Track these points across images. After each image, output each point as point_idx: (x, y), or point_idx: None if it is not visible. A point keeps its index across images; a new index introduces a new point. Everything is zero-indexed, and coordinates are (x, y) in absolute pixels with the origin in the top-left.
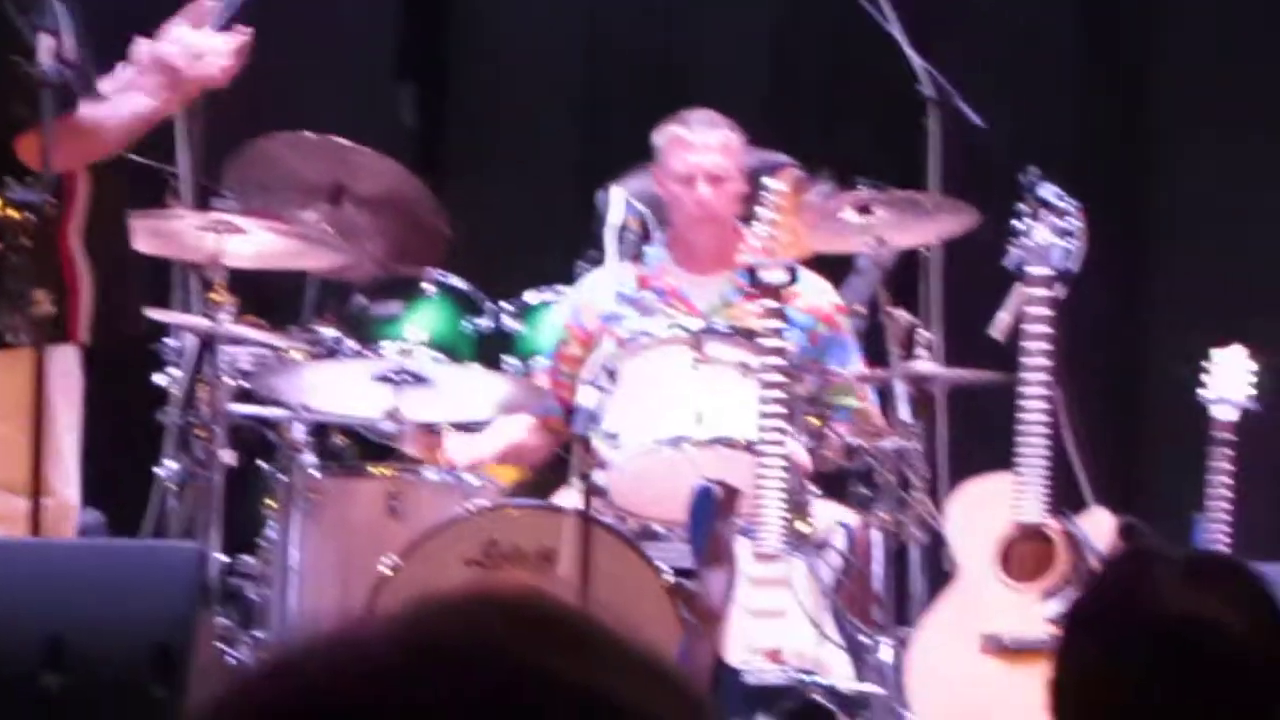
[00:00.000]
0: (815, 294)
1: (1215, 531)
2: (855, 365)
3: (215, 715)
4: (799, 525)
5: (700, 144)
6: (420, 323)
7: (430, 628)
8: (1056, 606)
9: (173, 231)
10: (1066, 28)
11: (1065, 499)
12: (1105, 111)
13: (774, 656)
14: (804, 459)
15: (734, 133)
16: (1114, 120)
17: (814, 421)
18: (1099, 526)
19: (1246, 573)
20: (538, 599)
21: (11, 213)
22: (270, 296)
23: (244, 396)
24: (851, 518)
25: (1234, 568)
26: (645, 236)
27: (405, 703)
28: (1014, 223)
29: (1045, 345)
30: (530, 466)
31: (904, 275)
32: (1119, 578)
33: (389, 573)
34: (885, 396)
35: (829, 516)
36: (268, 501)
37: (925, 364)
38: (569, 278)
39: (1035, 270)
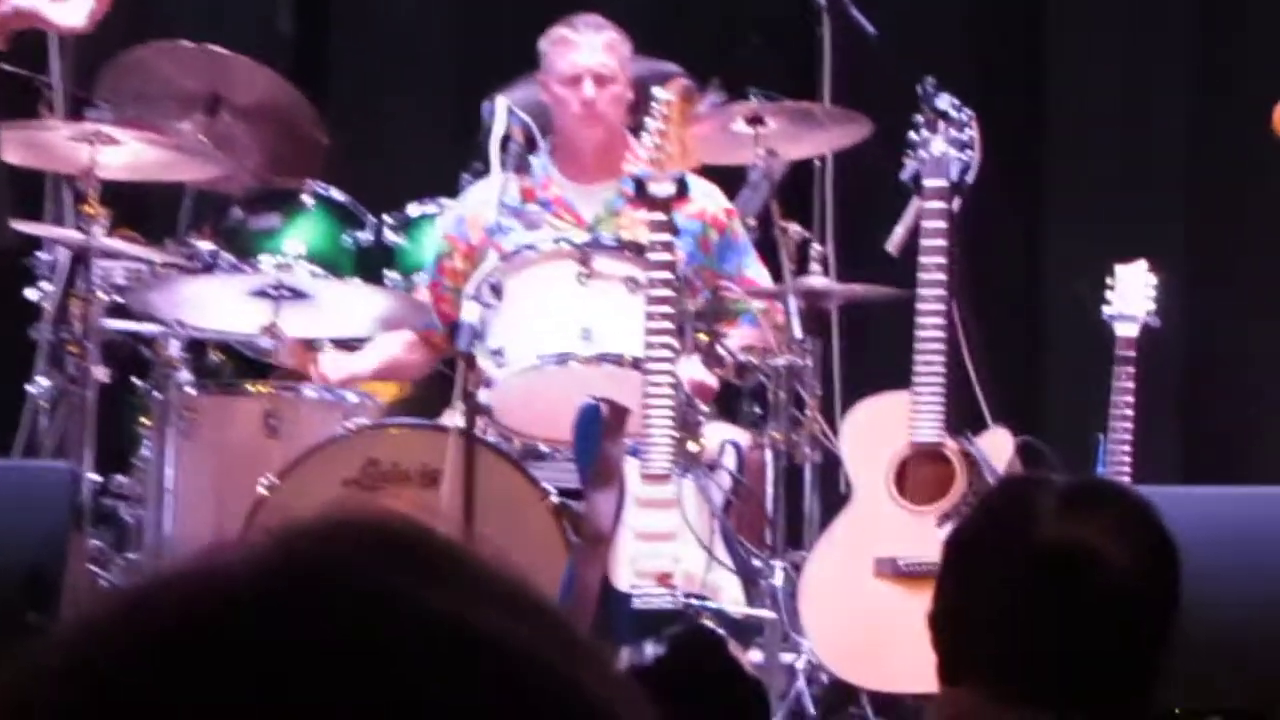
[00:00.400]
0: (704, 198)
1: (1117, 453)
2: (753, 266)
3: (65, 647)
4: (689, 445)
5: (585, 43)
6: (299, 236)
7: (291, 553)
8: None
9: (45, 142)
10: None
11: (963, 418)
12: (1000, 18)
13: (663, 580)
14: (711, 381)
15: (619, 35)
16: (1009, 27)
17: (704, 338)
18: (998, 447)
19: (1130, 498)
20: (404, 523)
21: None
22: (145, 209)
23: (118, 312)
24: (743, 437)
25: (1116, 493)
26: (530, 147)
27: (262, 631)
28: (909, 134)
29: (941, 260)
30: (409, 382)
31: (796, 188)
32: (998, 505)
33: (266, 493)
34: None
35: (719, 436)
36: (142, 420)
37: (818, 279)
38: (453, 190)
39: (931, 183)
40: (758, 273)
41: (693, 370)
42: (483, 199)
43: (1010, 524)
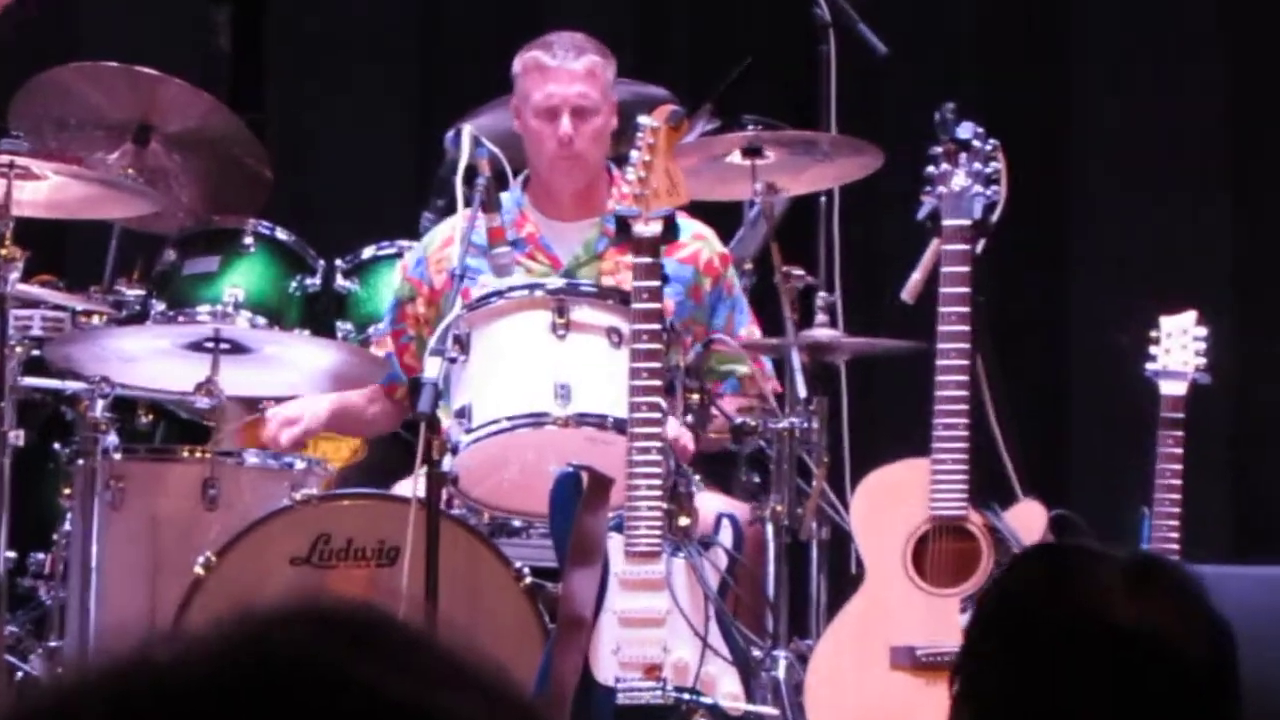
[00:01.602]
0: (694, 241)
1: (1163, 526)
2: (746, 324)
3: None
4: (680, 519)
5: (563, 71)
6: (239, 281)
7: (246, 644)
8: None
9: None
10: None
11: (989, 488)
12: (1023, 35)
13: (651, 672)
14: (685, 440)
15: (603, 58)
16: (1033, 45)
17: (695, 396)
18: (1029, 521)
19: (1189, 576)
20: (361, 607)
21: None
22: (66, 251)
23: (35, 367)
24: (740, 510)
25: (1175, 570)
26: (500, 182)
27: None
28: (926, 167)
29: (963, 309)
30: (364, 443)
31: (799, 228)
32: (1052, 576)
33: (204, 573)
34: (779, 369)
35: (714, 508)
36: (64, 489)
37: (825, 331)
38: (412, 230)
39: (951, 222)
40: (750, 331)
41: (670, 426)
42: (446, 237)
43: (1075, 601)
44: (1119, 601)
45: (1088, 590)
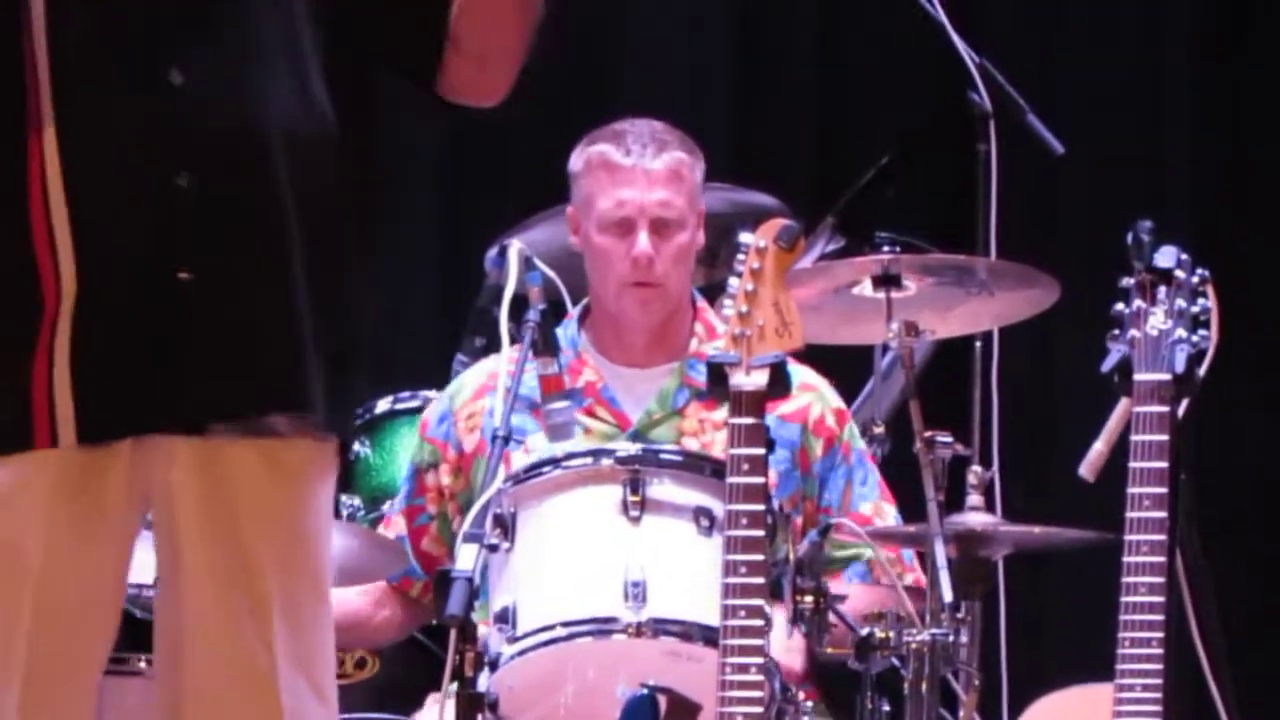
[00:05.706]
0: (803, 393)
1: None
2: (874, 498)
3: None
4: None
5: (639, 172)
6: None
7: None
8: None
9: None
10: (1184, 12)
11: None
12: (1239, 134)
13: None
14: (794, 658)
15: (689, 155)
16: (1253, 146)
17: (809, 599)
18: None
19: None
20: None
21: None
22: None
23: None
24: None
25: None
26: (558, 314)
27: None
28: (1115, 305)
29: (1160, 489)
30: (373, 656)
31: (947, 381)
32: None
33: None
34: (919, 564)
35: None
36: None
37: (979, 516)
38: (442, 377)
39: (1146, 376)
40: (879, 508)
41: (774, 638)
42: (480, 385)
43: None
44: None
45: None
